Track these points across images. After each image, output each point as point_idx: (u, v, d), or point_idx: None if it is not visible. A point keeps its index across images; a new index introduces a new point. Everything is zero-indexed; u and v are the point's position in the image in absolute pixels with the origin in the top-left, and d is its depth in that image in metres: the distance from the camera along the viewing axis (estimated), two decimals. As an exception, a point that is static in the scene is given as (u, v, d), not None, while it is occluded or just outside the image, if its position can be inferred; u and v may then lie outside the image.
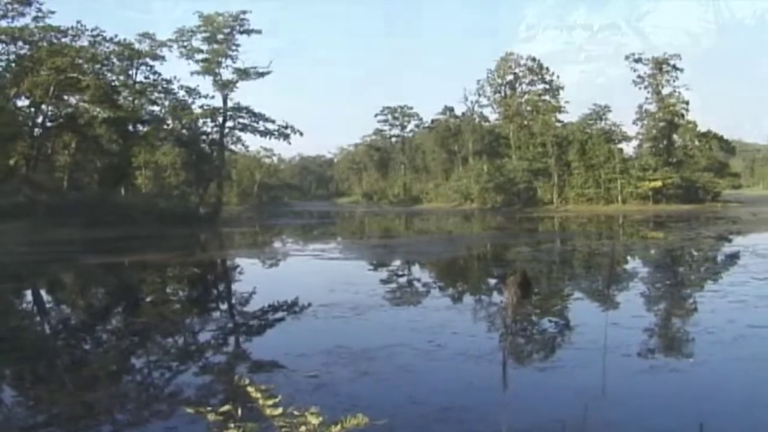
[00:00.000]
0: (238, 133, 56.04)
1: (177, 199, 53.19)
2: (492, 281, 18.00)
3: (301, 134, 55.61)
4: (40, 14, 45.11)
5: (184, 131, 55.25)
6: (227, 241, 37.54)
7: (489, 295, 15.65)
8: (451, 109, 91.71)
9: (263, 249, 31.80)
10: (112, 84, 50.90)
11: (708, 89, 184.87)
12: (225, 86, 53.64)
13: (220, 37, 52.80)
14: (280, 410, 2.64)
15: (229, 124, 54.84)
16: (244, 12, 52.34)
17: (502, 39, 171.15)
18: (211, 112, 54.02)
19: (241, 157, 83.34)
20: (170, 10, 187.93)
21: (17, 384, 8.67)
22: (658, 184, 69.10)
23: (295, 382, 7.59)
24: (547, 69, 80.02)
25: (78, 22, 47.96)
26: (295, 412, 2.63)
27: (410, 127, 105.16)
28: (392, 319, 11.97)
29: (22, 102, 46.82)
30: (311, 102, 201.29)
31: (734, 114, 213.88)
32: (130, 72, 52.43)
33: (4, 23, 45.18)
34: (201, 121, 55.11)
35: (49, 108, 46.63)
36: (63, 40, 46.67)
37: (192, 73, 53.82)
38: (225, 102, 54.12)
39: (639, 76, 73.74)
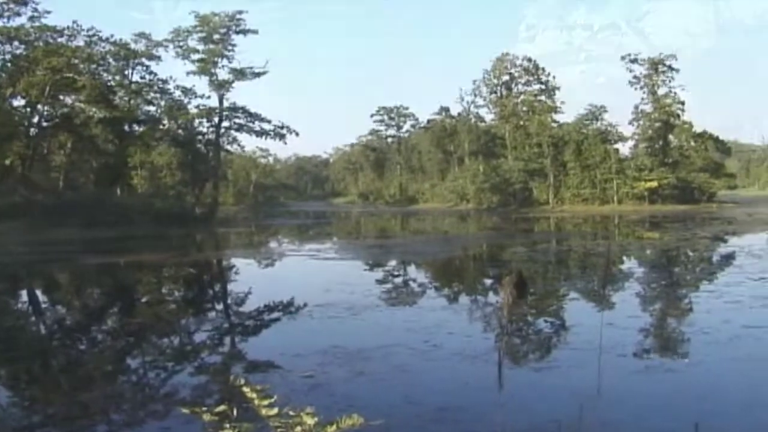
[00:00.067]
0: (234, 133, 56.23)
1: (173, 200, 53.03)
2: (488, 281, 18.02)
3: (297, 134, 55.86)
4: (36, 14, 45.12)
5: (180, 131, 55.31)
6: (223, 241, 37.49)
7: (485, 296, 15.64)
8: (447, 110, 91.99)
9: (259, 249, 31.78)
10: (108, 84, 50.86)
11: (708, 89, 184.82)
12: (221, 86, 53.65)
13: (216, 37, 52.79)
14: (275, 410, 2.63)
15: (225, 124, 54.99)
16: (240, 12, 52.49)
17: (502, 39, 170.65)
18: (207, 112, 54.06)
19: (237, 158, 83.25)
20: (171, 10, 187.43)
21: (12, 384, 8.65)
22: (654, 184, 69.22)
23: (290, 382, 7.58)
24: (543, 69, 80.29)
25: (74, 22, 48.06)
26: (291, 413, 2.63)
27: (406, 127, 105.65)
28: (388, 320, 11.97)
29: (18, 102, 46.94)
30: (310, 102, 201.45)
31: (734, 114, 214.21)
32: (126, 72, 52.43)
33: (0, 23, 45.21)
34: (197, 121, 55.28)
35: (45, 108, 46.60)
36: (59, 40, 46.57)
37: (188, 73, 53.98)
38: (221, 102, 54.22)
39: (635, 77, 74.10)
